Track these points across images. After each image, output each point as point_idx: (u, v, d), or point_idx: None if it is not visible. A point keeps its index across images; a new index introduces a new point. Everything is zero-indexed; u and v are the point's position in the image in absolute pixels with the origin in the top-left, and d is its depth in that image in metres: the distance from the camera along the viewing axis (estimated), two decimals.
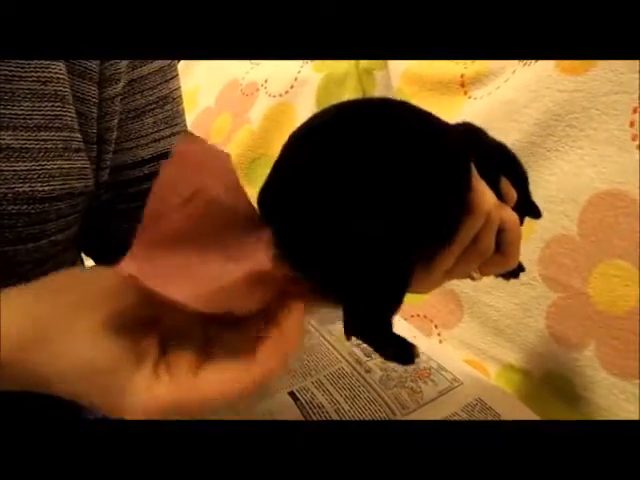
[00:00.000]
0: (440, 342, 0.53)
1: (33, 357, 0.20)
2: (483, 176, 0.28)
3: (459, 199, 0.26)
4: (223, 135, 0.73)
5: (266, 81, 0.71)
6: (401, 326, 0.54)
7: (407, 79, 0.57)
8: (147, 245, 0.20)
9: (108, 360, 0.20)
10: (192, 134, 0.23)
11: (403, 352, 0.26)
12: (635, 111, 0.39)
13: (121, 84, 0.34)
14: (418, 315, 0.56)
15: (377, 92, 0.63)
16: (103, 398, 0.21)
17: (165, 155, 0.39)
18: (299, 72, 0.68)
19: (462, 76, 0.53)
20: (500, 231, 0.29)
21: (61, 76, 0.30)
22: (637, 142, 0.39)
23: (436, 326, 0.54)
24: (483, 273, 0.31)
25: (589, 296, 0.41)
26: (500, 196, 0.29)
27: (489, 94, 0.50)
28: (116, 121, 0.35)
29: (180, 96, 0.41)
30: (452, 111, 0.53)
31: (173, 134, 0.39)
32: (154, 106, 0.37)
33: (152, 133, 0.38)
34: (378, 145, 0.23)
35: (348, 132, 0.24)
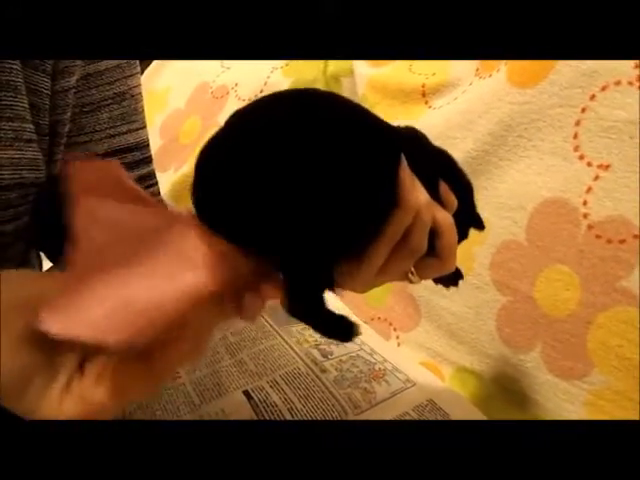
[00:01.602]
0: (398, 345, 0.54)
1: None
2: (420, 177, 0.28)
3: (386, 191, 0.26)
4: (192, 137, 0.73)
5: (236, 85, 0.71)
6: (362, 329, 0.55)
7: (372, 87, 0.59)
8: (69, 290, 0.19)
9: (22, 371, 0.20)
10: (75, 162, 0.21)
11: (340, 329, 0.27)
12: (578, 124, 0.41)
13: (75, 77, 0.34)
14: (379, 318, 0.57)
15: None
16: (18, 406, 0.20)
17: (120, 151, 0.39)
18: (269, 77, 0.68)
19: (423, 86, 0.55)
20: (435, 233, 0.29)
21: (14, 66, 0.30)
22: (579, 153, 0.41)
23: (395, 329, 0.55)
24: (420, 276, 0.32)
25: (535, 300, 0.43)
26: (439, 200, 0.30)
27: (448, 104, 0.52)
28: (69, 114, 0.35)
29: (140, 94, 0.41)
30: (413, 119, 0.55)
31: (130, 131, 0.40)
32: (110, 101, 0.37)
33: (107, 128, 0.38)
34: (306, 133, 0.24)
35: (280, 119, 0.24)
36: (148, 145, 0.43)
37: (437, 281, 0.37)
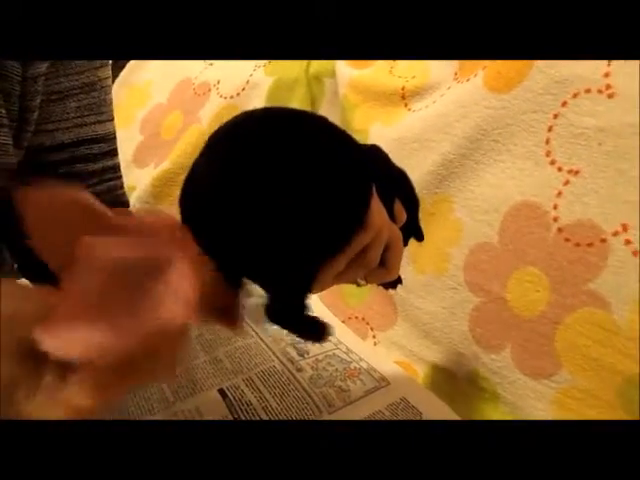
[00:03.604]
0: (375, 344, 0.55)
1: None
2: (380, 196, 0.30)
3: (357, 215, 0.28)
4: (173, 133, 0.73)
5: (218, 82, 0.71)
6: (338, 328, 0.55)
7: (353, 88, 0.59)
8: (63, 313, 0.21)
9: (9, 379, 0.21)
10: (28, 189, 0.22)
11: (315, 330, 0.29)
12: (550, 129, 0.42)
13: (45, 64, 0.34)
14: (356, 317, 0.57)
15: (325, 99, 0.64)
16: (4, 410, 0.21)
17: (87, 141, 0.39)
18: (251, 75, 0.68)
19: (403, 89, 0.56)
20: (386, 247, 0.32)
21: None
22: (550, 158, 0.42)
23: (372, 328, 0.56)
24: (367, 281, 0.35)
25: (506, 300, 0.44)
26: (392, 216, 0.33)
27: (426, 107, 0.53)
28: (38, 101, 0.35)
29: (109, 86, 0.41)
30: (393, 121, 0.56)
31: (98, 122, 0.39)
32: (79, 91, 0.37)
33: (74, 118, 0.38)
34: (291, 157, 0.25)
35: (263, 142, 0.25)
36: (115, 138, 0.43)
37: (380, 284, 0.40)
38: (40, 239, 0.22)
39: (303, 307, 0.28)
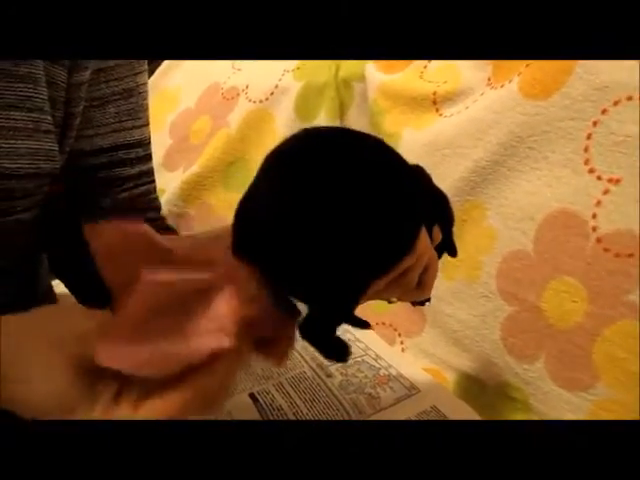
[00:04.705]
0: (402, 350, 0.54)
1: (9, 383, 0.22)
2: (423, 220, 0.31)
3: (408, 243, 0.29)
4: (202, 137, 0.74)
5: (247, 87, 0.72)
6: (366, 334, 0.55)
7: (383, 93, 0.59)
8: (120, 332, 0.23)
9: (67, 399, 0.22)
10: (96, 225, 0.25)
11: (339, 351, 0.30)
12: (589, 137, 0.41)
13: (89, 71, 0.35)
14: (383, 323, 0.57)
15: (354, 104, 0.64)
16: None
17: (125, 146, 0.40)
18: (280, 80, 0.69)
19: (434, 94, 0.55)
20: (424, 269, 0.33)
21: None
22: (589, 166, 0.41)
23: (400, 335, 0.55)
24: (400, 299, 0.36)
25: (542, 310, 0.43)
26: (430, 238, 0.33)
27: (459, 113, 0.52)
28: (81, 108, 0.35)
29: (146, 91, 0.42)
30: (424, 126, 0.55)
31: (135, 127, 0.40)
32: (118, 97, 0.38)
33: (113, 123, 0.38)
34: (352, 183, 0.26)
35: (327, 167, 0.26)
36: (150, 142, 0.44)
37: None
38: (106, 269, 0.24)
39: (336, 327, 0.29)
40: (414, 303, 0.41)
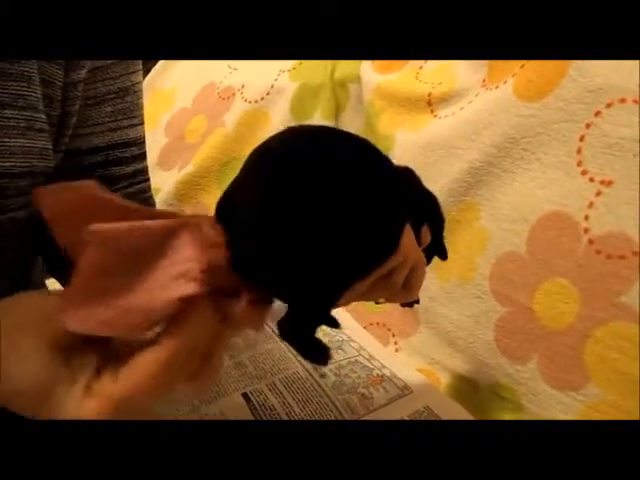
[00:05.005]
0: (396, 351, 0.54)
1: None
2: (410, 219, 0.31)
3: (391, 242, 0.29)
4: (197, 136, 0.73)
5: (243, 86, 0.72)
6: (360, 334, 0.55)
7: (378, 94, 0.59)
8: (77, 296, 0.22)
9: (45, 379, 0.22)
10: (44, 188, 0.23)
11: (319, 353, 0.29)
12: (582, 139, 0.42)
13: (85, 70, 0.35)
14: (377, 323, 0.57)
15: (349, 104, 0.64)
16: (41, 412, 0.22)
17: (120, 145, 0.40)
18: (276, 80, 0.69)
19: (429, 95, 0.55)
20: (410, 269, 0.32)
21: None
22: (582, 168, 0.42)
23: (393, 335, 0.55)
24: (387, 301, 0.36)
25: (534, 311, 0.43)
26: (418, 239, 0.33)
27: (453, 114, 0.53)
28: (77, 106, 0.35)
29: (141, 90, 0.42)
30: (419, 127, 0.55)
31: (131, 125, 0.40)
32: (114, 96, 0.38)
33: (109, 122, 0.38)
34: (335, 181, 0.25)
35: (312, 165, 0.25)
36: (144, 141, 0.44)
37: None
38: (60, 233, 0.23)
39: (315, 328, 0.28)
40: (403, 304, 0.41)
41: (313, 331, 0.28)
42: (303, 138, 0.27)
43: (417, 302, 0.40)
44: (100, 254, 0.22)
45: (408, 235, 0.31)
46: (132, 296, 0.22)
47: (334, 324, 0.35)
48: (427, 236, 0.35)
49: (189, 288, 0.22)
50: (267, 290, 0.25)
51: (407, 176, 0.34)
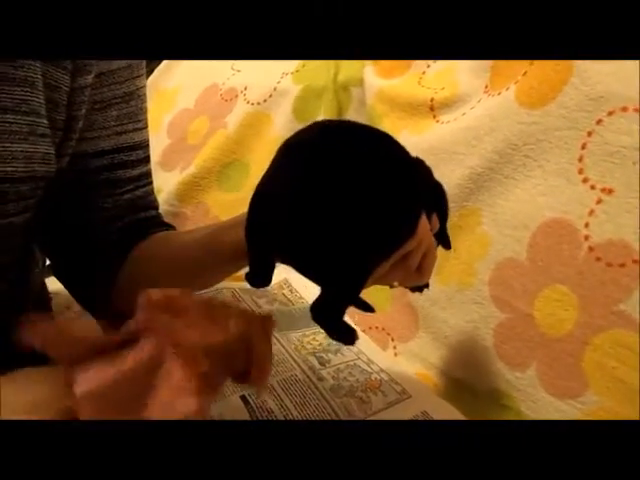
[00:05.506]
0: (395, 355, 0.54)
1: None
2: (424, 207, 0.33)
3: (412, 225, 0.32)
4: (199, 138, 0.74)
5: (246, 88, 0.72)
6: (359, 337, 0.55)
7: (380, 98, 0.59)
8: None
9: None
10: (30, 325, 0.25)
11: (348, 334, 0.32)
12: (583, 147, 0.42)
13: (92, 75, 0.35)
14: (377, 327, 0.57)
15: (352, 108, 0.65)
16: None
17: (126, 148, 0.40)
18: (279, 82, 0.69)
19: (432, 100, 0.55)
20: (423, 254, 0.35)
21: (32, 63, 0.31)
22: (583, 176, 0.42)
23: (392, 339, 0.55)
24: (401, 284, 0.39)
25: (534, 318, 0.43)
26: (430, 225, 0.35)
27: (455, 119, 0.53)
28: (84, 111, 0.36)
29: (145, 94, 0.42)
30: (421, 132, 0.55)
31: (136, 129, 0.41)
32: (119, 100, 0.39)
33: (115, 126, 0.39)
34: (365, 172, 0.29)
35: (346, 157, 0.28)
36: (149, 144, 0.45)
37: (408, 287, 0.44)
38: (56, 358, 0.25)
39: (345, 309, 0.31)
40: (413, 289, 0.43)
41: (343, 312, 0.31)
42: (331, 131, 0.30)
43: (427, 286, 0.42)
44: (94, 412, 0.23)
45: (423, 221, 0.33)
46: (145, 413, 0.24)
47: (367, 307, 0.39)
48: (436, 223, 0.37)
49: (190, 406, 0.24)
50: (303, 273, 0.29)
51: (420, 166, 0.36)
